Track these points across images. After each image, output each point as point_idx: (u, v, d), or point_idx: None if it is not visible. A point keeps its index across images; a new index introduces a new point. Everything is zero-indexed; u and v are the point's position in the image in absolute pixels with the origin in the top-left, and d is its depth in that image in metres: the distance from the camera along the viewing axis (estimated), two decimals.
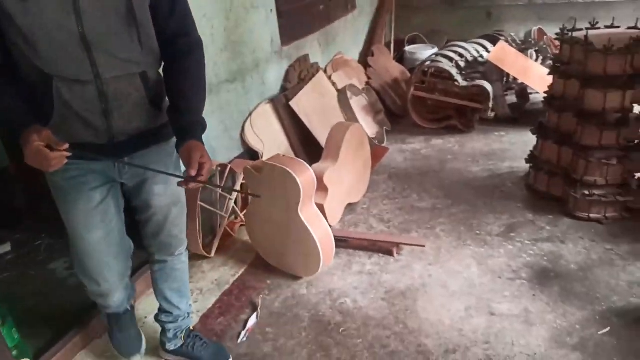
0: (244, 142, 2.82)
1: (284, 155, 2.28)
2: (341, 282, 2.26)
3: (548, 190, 2.68)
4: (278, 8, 3.01)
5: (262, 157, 2.78)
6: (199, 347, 1.85)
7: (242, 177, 2.47)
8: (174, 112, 1.40)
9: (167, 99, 1.45)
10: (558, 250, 2.31)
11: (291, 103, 2.99)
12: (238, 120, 2.79)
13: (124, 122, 1.37)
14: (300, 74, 3.25)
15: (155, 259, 1.73)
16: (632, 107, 2.40)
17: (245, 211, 2.57)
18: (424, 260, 2.34)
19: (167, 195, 1.57)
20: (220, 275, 2.39)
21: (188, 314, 1.87)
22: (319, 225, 2.19)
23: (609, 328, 1.86)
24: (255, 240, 2.43)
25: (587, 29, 2.58)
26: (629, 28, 2.55)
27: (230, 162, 2.58)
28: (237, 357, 1.91)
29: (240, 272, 2.39)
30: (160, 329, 1.88)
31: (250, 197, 2.55)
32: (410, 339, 1.90)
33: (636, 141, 2.46)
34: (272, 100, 2.99)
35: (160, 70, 1.43)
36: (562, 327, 1.89)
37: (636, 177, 2.48)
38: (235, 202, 2.63)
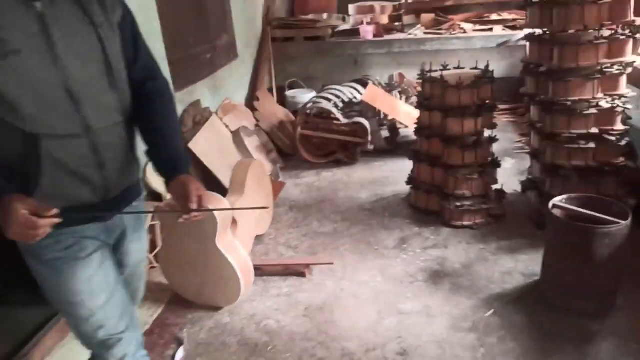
0: (146, 185, 2.84)
1: None
2: (261, 305, 2.37)
3: (427, 206, 3.11)
4: (169, 57, 3.14)
5: (164, 199, 2.82)
6: None
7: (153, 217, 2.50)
8: (156, 152, 1.40)
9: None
10: (443, 254, 2.69)
11: (190, 145, 3.09)
12: (141, 164, 2.81)
13: (117, 174, 1.34)
14: (194, 118, 3.37)
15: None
16: (483, 131, 2.94)
17: (155, 252, 2.59)
18: (334, 277, 2.56)
19: (141, 252, 1.58)
20: (138, 315, 2.35)
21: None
22: (237, 254, 2.30)
23: (493, 310, 2.23)
24: (171, 279, 2.44)
25: (440, 70, 3.11)
26: (472, 69, 3.14)
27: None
28: None
29: (158, 312, 2.39)
30: None
31: (161, 239, 2.57)
32: (334, 345, 2.09)
33: (489, 159, 2.99)
34: None
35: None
36: (457, 315, 2.22)
37: (493, 189, 3.01)
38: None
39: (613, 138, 2.63)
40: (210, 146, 3.26)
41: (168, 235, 2.41)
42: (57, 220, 1.15)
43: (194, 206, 1.29)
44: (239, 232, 2.64)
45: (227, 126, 3.64)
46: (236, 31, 4.30)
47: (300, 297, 2.42)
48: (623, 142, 2.66)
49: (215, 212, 2.18)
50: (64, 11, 1.20)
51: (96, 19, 1.23)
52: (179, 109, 3.28)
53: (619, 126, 2.64)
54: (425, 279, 2.49)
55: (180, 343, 2.17)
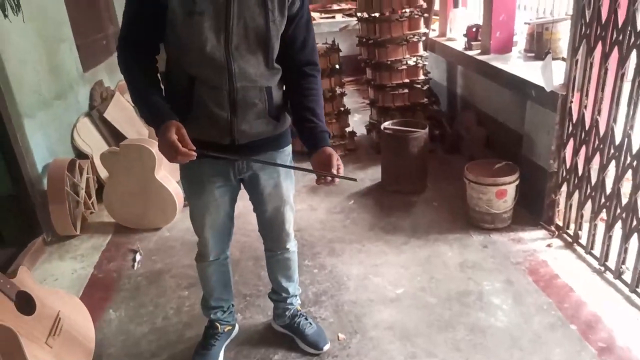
0: (74, 147, 3.41)
1: (129, 139, 3.08)
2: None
3: (301, 148, 4.11)
4: (76, 42, 3.70)
5: (92, 158, 3.42)
6: (303, 325, 2.09)
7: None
8: (305, 125, 1.60)
9: (286, 113, 1.70)
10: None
11: (105, 114, 3.71)
12: (68, 130, 3.38)
13: (247, 126, 1.59)
14: (101, 95, 3.96)
15: (267, 248, 2.01)
16: (336, 88, 4.03)
17: (92, 199, 3.22)
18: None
19: (278, 196, 1.80)
20: (92, 243, 3.00)
21: (295, 296, 2.12)
22: (170, 182, 3.07)
23: (352, 201, 3.32)
24: (115, 212, 3.11)
25: None
26: (323, 44, 4.20)
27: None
28: (138, 276, 2.65)
29: (108, 238, 3.05)
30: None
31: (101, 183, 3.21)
32: (251, 233, 2.97)
33: (342, 109, 4.10)
34: (88, 114, 3.65)
35: (283, 88, 1.68)
36: (330, 206, 3.26)
37: (347, 130, 4.12)
38: (87, 193, 3.23)
39: (419, 85, 3.90)
40: (120, 116, 3.90)
41: (110, 176, 3.07)
42: (192, 154, 1.39)
43: (335, 171, 1.47)
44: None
45: (128, 102, 4.27)
46: (119, 22, 4.86)
47: None
48: (425, 88, 3.94)
49: (153, 150, 2.91)
50: None
51: (269, 4, 1.48)
52: (87, 88, 3.85)
53: (421, 77, 3.92)
54: (306, 191, 3.50)
55: (135, 252, 2.89)
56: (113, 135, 3.77)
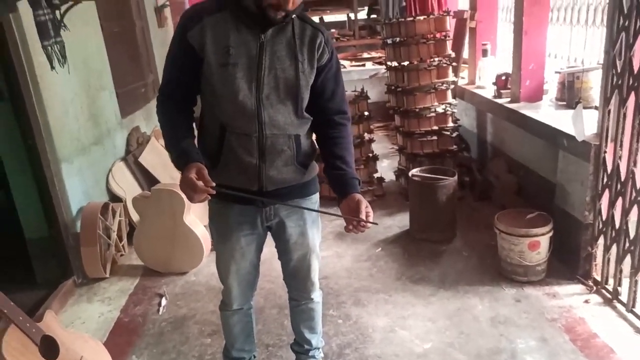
0: (109, 191, 3.52)
1: (162, 183, 3.16)
2: None
3: (329, 193, 4.12)
4: (116, 90, 3.88)
5: (125, 201, 3.51)
6: None
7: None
8: (335, 172, 1.62)
9: (313, 161, 1.73)
10: (343, 223, 3.70)
11: (140, 159, 3.83)
12: (103, 174, 3.50)
13: (275, 172, 1.62)
14: (137, 140, 4.10)
15: (292, 297, 1.98)
16: (364, 134, 4.06)
17: (123, 241, 3.27)
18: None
19: (304, 245, 1.79)
20: (120, 286, 3.03)
21: (318, 349, 2.09)
22: (198, 226, 3.11)
23: (380, 248, 3.27)
24: (144, 256, 3.15)
25: None
26: (352, 91, 4.27)
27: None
28: (162, 321, 2.65)
29: (136, 281, 3.08)
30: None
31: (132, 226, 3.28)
32: (278, 280, 2.95)
33: (370, 155, 4.11)
34: (124, 159, 3.78)
35: (313, 138, 1.73)
36: (357, 254, 3.22)
37: (375, 176, 4.12)
38: (118, 236, 3.30)
39: (448, 132, 3.88)
40: (154, 161, 4.01)
41: (141, 220, 3.13)
42: (211, 191, 1.41)
43: (364, 217, 1.51)
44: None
45: (162, 146, 4.40)
46: (158, 71, 5.08)
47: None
48: (454, 135, 3.93)
49: (183, 195, 2.97)
50: (278, 45, 1.53)
51: (300, 56, 1.54)
52: (124, 134, 4.00)
53: (450, 124, 3.91)
54: (333, 237, 3.47)
55: (161, 296, 2.90)
56: (147, 179, 3.87)
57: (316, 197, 1.80)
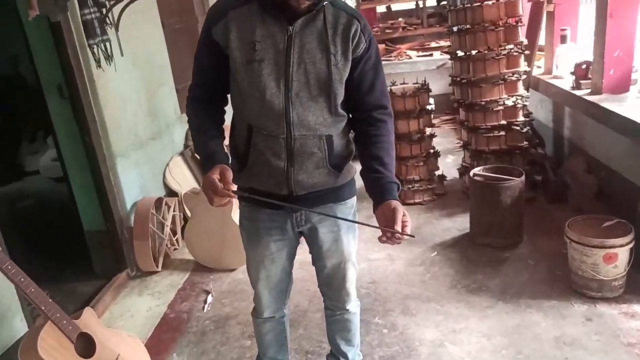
0: (165, 185, 3.58)
1: None
2: None
3: None
4: (176, 86, 3.93)
5: (180, 196, 3.55)
6: None
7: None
8: (371, 175, 1.48)
9: (349, 163, 1.59)
10: None
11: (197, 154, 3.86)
12: (161, 169, 3.57)
13: (305, 176, 1.50)
14: None
15: (326, 306, 1.87)
16: (425, 129, 3.82)
17: (177, 235, 3.31)
18: None
19: (338, 252, 1.67)
20: (170, 281, 3.07)
21: None
22: None
23: (436, 252, 3.06)
24: (194, 251, 3.17)
25: (389, 86, 4.01)
26: (414, 84, 4.04)
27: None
28: (206, 319, 2.64)
29: (186, 276, 3.10)
30: None
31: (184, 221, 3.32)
32: None
33: (431, 150, 3.87)
34: (181, 154, 3.84)
35: (350, 136, 1.59)
36: (411, 258, 3.02)
37: (436, 174, 3.88)
38: (172, 230, 3.35)
39: (518, 127, 3.55)
40: None
41: (192, 216, 3.15)
42: (232, 195, 1.33)
43: (399, 229, 1.34)
44: None
45: None
46: None
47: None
48: (525, 130, 3.58)
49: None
50: (308, 37, 1.40)
51: (332, 48, 1.41)
52: (183, 129, 4.05)
53: (520, 118, 3.57)
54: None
55: (208, 293, 2.89)
56: (203, 173, 3.90)
57: (352, 201, 1.67)
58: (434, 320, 2.43)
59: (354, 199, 1.68)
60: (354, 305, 1.85)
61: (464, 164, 3.97)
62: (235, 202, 2.96)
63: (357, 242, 1.75)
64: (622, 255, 2.35)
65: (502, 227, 2.99)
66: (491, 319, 2.39)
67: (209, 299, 2.82)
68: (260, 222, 1.63)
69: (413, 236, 1.40)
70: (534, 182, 3.58)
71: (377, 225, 1.40)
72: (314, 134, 1.47)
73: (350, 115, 1.56)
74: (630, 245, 2.35)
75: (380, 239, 1.38)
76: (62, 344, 1.78)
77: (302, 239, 1.75)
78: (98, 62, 2.51)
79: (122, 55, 3.00)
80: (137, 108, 3.32)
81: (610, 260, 2.34)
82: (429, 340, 2.29)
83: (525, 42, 3.52)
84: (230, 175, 1.36)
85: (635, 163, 2.67)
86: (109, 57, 2.50)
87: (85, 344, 1.88)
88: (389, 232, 1.36)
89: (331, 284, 1.77)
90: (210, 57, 1.49)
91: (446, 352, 2.21)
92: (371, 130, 1.52)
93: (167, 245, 3.26)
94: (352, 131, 1.61)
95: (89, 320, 1.95)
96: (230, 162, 1.47)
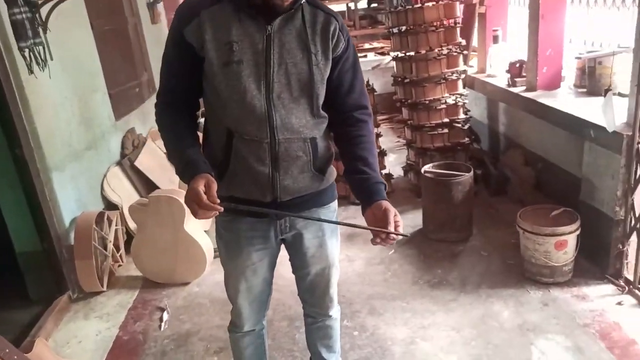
0: (104, 198, 3.33)
1: (160, 189, 2.97)
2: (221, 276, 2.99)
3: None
4: (109, 91, 3.68)
5: (121, 208, 3.33)
6: None
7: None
8: (357, 177, 1.43)
9: (331, 166, 1.54)
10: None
11: (136, 163, 3.63)
12: (98, 180, 3.31)
13: (290, 181, 1.44)
14: (133, 142, 3.91)
15: (307, 313, 1.80)
16: None
17: (120, 251, 3.09)
18: None
19: (322, 258, 1.61)
20: (119, 300, 2.85)
21: None
22: (201, 235, 2.92)
23: (393, 250, 3.08)
24: (143, 267, 2.97)
25: None
26: None
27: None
28: (165, 338, 2.47)
29: (136, 294, 2.90)
30: None
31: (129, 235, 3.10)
32: (284, 289, 2.77)
33: (378, 150, 3.91)
34: (119, 163, 3.59)
35: (329, 138, 1.52)
36: (369, 257, 3.02)
37: (382, 173, 3.92)
38: (115, 246, 3.11)
39: (459, 124, 3.68)
40: (152, 164, 3.82)
41: (139, 229, 2.94)
42: (218, 208, 1.25)
43: (392, 229, 1.30)
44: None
45: (159, 148, 4.21)
46: (153, 69, 4.88)
47: None
48: (466, 127, 3.73)
49: (182, 201, 2.78)
50: (287, 36, 1.35)
51: (312, 47, 1.37)
52: (119, 137, 3.81)
53: (461, 116, 3.71)
54: (343, 239, 3.28)
55: (163, 310, 2.72)
56: (144, 183, 3.69)
57: (335, 205, 1.62)
58: (402, 318, 2.44)
59: (336, 202, 1.63)
60: (336, 311, 1.80)
61: (408, 161, 4.06)
62: (187, 212, 2.83)
63: (339, 246, 1.70)
64: (571, 241, 2.50)
65: (454, 222, 3.08)
66: (456, 311, 2.45)
67: (165, 316, 2.65)
68: (241, 232, 1.54)
69: (407, 235, 1.38)
70: (475, 177, 3.73)
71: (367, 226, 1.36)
72: (298, 137, 1.41)
73: (330, 117, 1.49)
74: (578, 232, 2.50)
75: (373, 241, 1.34)
76: None
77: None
78: (30, 67, 2.26)
79: (51, 59, 2.74)
80: (70, 116, 3.06)
81: (561, 247, 2.48)
82: (400, 339, 2.30)
83: (464, 42, 3.66)
84: (215, 187, 1.27)
85: (571, 154, 2.85)
86: (41, 62, 2.26)
87: None
88: (383, 234, 1.31)
89: (314, 291, 1.71)
90: (182, 60, 1.39)
91: (419, 349, 2.22)
92: (353, 131, 1.47)
93: (111, 262, 3.03)
94: (331, 133, 1.55)
95: (41, 352, 1.76)
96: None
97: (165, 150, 4.22)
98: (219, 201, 1.25)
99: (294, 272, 1.71)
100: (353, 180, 1.45)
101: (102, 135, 3.48)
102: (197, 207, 1.25)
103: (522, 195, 3.38)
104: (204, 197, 1.24)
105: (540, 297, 2.49)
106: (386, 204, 1.36)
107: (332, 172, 1.58)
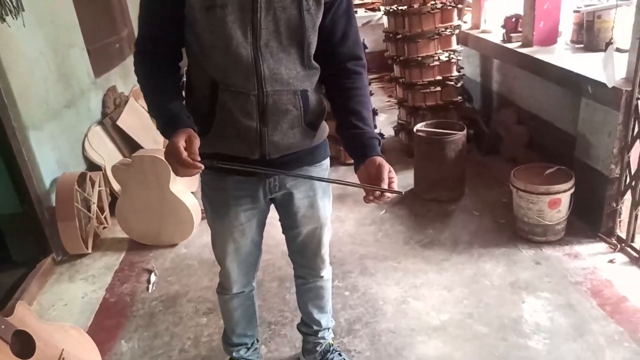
0: (86, 159, 3.22)
1: (144, 149, 2.86)
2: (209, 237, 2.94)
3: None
4: (87, 46, 3.50)
5: (104, 169, 3.22)
6: None
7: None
8: (350, 132, 1.34)
9: (323, 121, 1.46)
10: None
11: (118, 122, 3.50)
12: (79, 140, 3.19)
13: (280, 137, 1.36)
14: (114, 101, 3.76)
15: (298, 275, 1.76)
16: None
17: (105, 213, 3.01)
18: None
19: (314, 218, 1.56)
20: (104, 262, 2.79)
21: (328, 329, 1.88)
22: (187, 195, 2.84)
23: (384, 210, 3.04)
24: (129, 228, 2.90)
25: None
26: None
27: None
28: (153, 300, 2.43)
29: (122, 256, 2.83)
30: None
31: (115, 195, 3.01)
32: (274, 250, 2.72)
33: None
34: (101, 123, 3.46)
35: (321, 92, 1.44)
36: (360, 217, 2.98)
37: None
38: (99, 208, 3.03)
39: (452, 82, 3.59)
40: (135, 123, 3.69)
41: (124, 190, 2.85)
42: (197, 165, 1.17)
43: (386, 186, 1.23)
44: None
45: (143, 107, 4.07)
46: (133, 24, 4.67)
47: None
48: (459, 85, 3.64)
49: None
50: None
51: None
52: (99, 95, 3.65)
53: (455, 73, 3.61)
54: (333, 200, 3.22)
55: (150, 272, 2.67)
56: (127, 143, 3.57)
57: (327, 163, 1.54)
58: (394, 278, 2.42)
59: (328, 160, 1.55)
60: (327, 272, 1.75)
61: (400, 121, 3.97)
62: (170, 170, 2.74)
63: (331, 205, 1.64)
64: (565, 200, 2.47)
65: (446, 181, 3.03)
66: (448, 271, 2.43)
67: (153, 278, 2.60)
68: (228, 191, 1.47)
69: (401, 193, 1.29)
70: (467, 136, 3.66)
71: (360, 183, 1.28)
72: (287, 89, 1.31)
73: (321, 68, 1.39)
74: (572, 191, 2.47)
75: (366, 198, 1.26)
76: None
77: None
78: (1, 15, 2.10)
79: (23, 10, 2.57)
80: (46, 73, 2.90)
81: (555, 205, 2.45)
82: (392, 298, 2.28)
83: None
84: (197, 143, 1.19)
85: (566, 111, 2.79)
86: (14, 10, 2.10)
87: (23, 343, 1.64)
88: (376, 191, 1.23)
89: (305, 252, 1.66)
90: (160, 5, 1.27)
91: (411, 308, 2.21)
92: (346, 83, 1.37)
93: (95, 224, 2.95)
94: (323, 86, 1.45)
95: (23, 315, 1.69)
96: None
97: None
98: (199, 158, 1.18)
99: (284, 232, 1.65)
100: (346, 135, 1.36)
101: (82, 94, 3.33)
102: (177, 164, 1.17)
103: (515, 154, 3.33)
104: (184, 152, 1.15)
105: (532, 255, 2.48)
106: (380, 159, 1.28)
107: (325, 128, 1.49)
